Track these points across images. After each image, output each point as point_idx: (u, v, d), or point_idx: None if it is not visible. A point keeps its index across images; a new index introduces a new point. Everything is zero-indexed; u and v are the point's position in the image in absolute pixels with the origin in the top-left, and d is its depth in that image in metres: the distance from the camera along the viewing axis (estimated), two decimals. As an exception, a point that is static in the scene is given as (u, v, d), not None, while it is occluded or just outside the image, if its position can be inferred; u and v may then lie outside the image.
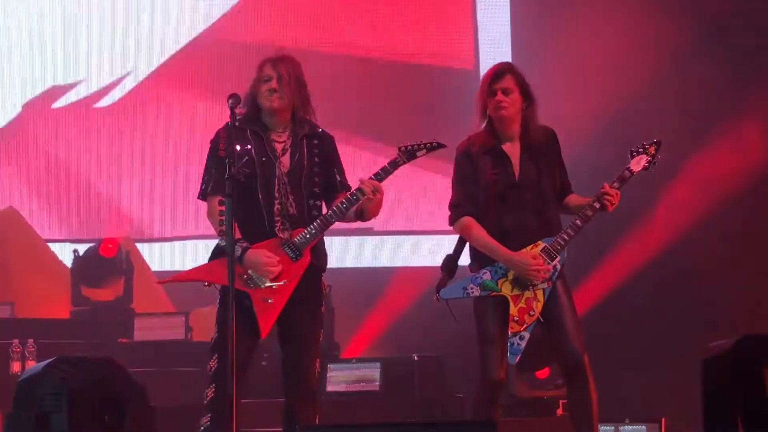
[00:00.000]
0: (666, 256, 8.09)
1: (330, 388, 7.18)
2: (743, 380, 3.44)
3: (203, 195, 4.88)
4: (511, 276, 4.96)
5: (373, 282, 8.65)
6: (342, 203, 4.77)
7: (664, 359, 7.50)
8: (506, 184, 5.03)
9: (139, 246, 8.66)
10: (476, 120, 5.08)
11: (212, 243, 8.78)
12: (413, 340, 8.18)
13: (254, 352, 4.80)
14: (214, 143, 4.84)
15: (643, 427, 6.33)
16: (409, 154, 4.88)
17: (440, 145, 4.93)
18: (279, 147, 4.82)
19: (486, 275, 5.01)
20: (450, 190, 5.12)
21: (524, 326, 4.95)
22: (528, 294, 4.96)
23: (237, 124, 4.78)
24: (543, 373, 7.24)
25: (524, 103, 5.07)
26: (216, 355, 4.74)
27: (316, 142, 4.89)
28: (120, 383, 3.77)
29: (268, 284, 4.70)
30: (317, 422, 4.81)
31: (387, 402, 7.06)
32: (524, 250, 4.97)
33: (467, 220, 5.03)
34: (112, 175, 8.93)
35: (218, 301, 4.84)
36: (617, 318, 8.22)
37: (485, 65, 9.07)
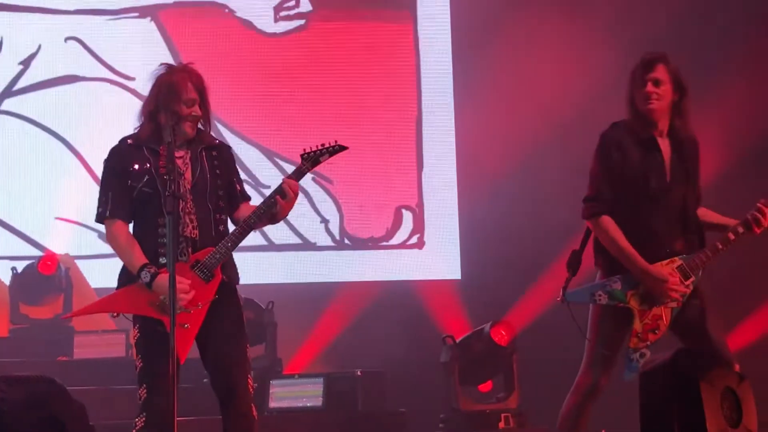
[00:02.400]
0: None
1: (273, 404, 7.16)
2: (680, 394, 3.46)
3: (100, 218, 4.70)
4: (641, 289, 4.70)
5: (316, 298, 8.64)
6: (259, 209, 4.67)
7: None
8: (658, 183, 4.71)
9: (79, 263, 8.56)
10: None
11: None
12: (356, 356, 8.18)
13: (178, 378, 4.54)
14: (110, 162, 4.70)
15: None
16: (312, 160, 4.76)
17: (342, 148, 4.79)
18: (180, 162, 4.65)
19: (617, 284, 4.73)
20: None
21: (646, 343, 4.71)
22: (656, 311, 4.72)
23: (130, 142, 4.68)
24: (486, 387, 7.29)
25: (676, 96, 4.75)
26: (144, 385, 4.61)
27: (215, 153, 4.78)
28: (59, 402, 3.72)
29: (182, 309, 4.53)
30: None
31: (330, 418, 7.05)
32: (659, 264, 4.70)
33: (606, 220, 4.71)
34: (50, 190, 8.83)
35: (135, 328, 4.69)
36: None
37: (426, 81, 9.15)
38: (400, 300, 8.67)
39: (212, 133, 4.89)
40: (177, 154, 4.62)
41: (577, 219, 8.09)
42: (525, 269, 8.36)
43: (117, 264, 9.06)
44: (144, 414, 4.59)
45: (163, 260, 4.60)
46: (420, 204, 9.07)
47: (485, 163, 8.86)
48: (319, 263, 8.93)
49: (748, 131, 8.34)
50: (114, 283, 8.52)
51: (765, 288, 7.94)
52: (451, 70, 9.13)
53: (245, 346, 4.71)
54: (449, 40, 9.15)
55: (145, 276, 4.56)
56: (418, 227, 9.06)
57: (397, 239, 9.04)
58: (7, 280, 8.13)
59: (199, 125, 4.76)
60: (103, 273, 8.70)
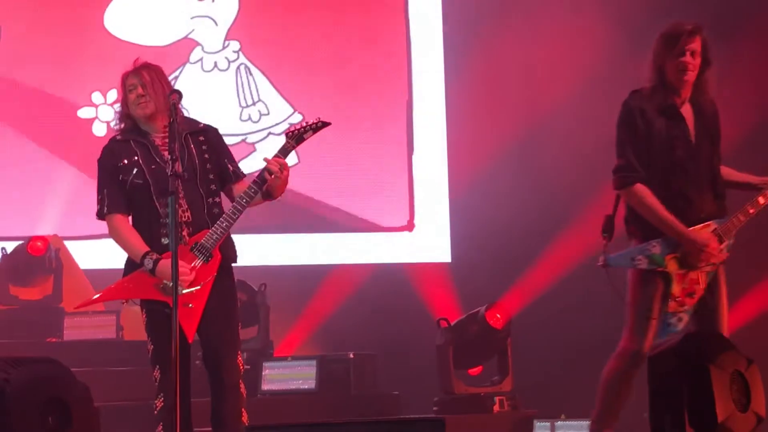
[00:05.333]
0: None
1: (266, 386, 7.14)
2: (689, 377, 3.45)
3: (100, 215, 4.89)
4: (680, 253, 4.72)
5: (306, 280, 8.62)
6: (250, 188, 4.77)
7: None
8: (685, 150, 4.74)
9: (68, 244, 8.51)
10: (647, 74, 4.76)
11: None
12: (347, 338, 8.17)
13: (189, 356, 4.74)
14: (102, 160, 4.88)
15: (582, 423, 6.38)
16: (297, 138, 4.87)
17: (325, 124, 4.91)
18: (166, 151, 4.74)
19: (655, 248, 4.74)
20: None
21: (684, 307, 4.73)
22: (692, 275, 4.75)
23: (119, 137, 4.87)
24: (475, 371, 7.29)
25: (703, 68, 4.80)
26: (158, 366, 4.73)
27: (201, 138, 4.90)
28: (63, 384, 3.70)
29: (185, 291, 4.69)
30: (244, 419, 4.77)
31: (323, 400, 7.04)
32: (696, 228, 4.72)
33: (641, 188, 4.71)
34: (40, 170, 8.78)
35: (143, 312, 4.85)
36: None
37: (416, 62, 9.11)
38: (390, 282, 8.66)
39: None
40: (163, 143, 4.74)
41: (572, 202, 8.15)
42: (517, 252, 8.36)
43: (105, 245, 9.03)
44: (162, 395, 4.70)
45: (165, 241, 4.71)
46: (410, 187, 9.04)
47: (477, 145, 8.84)
48: (309, 246, 8.90)
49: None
50: (103, 264, 8.55)
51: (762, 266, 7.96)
52: (442, 53, 9.10)
53: (235, 324, 4.85)
54: (440, 21, 9.11)
55: (148, 263, 4.72)
56: (408, 210, 9.04)
57: (387, 222, 9.02)
58: (-5, 261, 8.09)
59: (185, 113, 4.89)
60: (91, 255, 8.67)
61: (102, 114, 8.91)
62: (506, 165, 8.67)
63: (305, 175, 8.90)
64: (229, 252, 4.86)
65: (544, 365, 7.87)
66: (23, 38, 8.96)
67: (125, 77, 4.88)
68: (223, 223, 4.76)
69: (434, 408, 7.05)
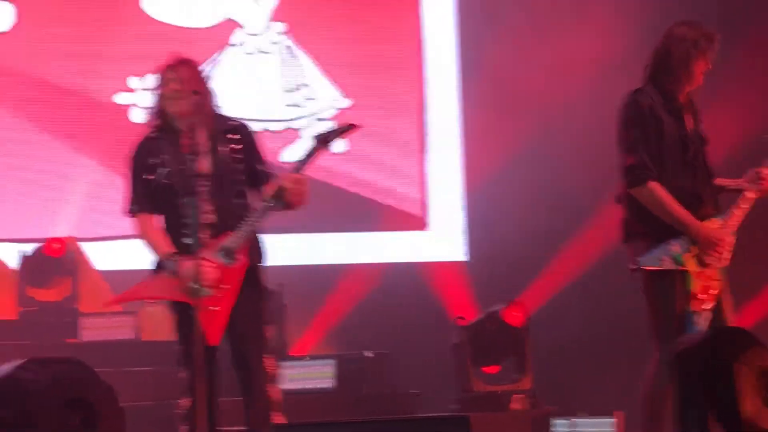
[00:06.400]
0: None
1: (283, 385, 7.13)
2: (715, 374, 3.44)
3: (128, 213, 4.87)
4: (696, 251, 4.72)
5: (323, 279, 8.63)
6: (268, 200, 4.70)
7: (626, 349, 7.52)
8: (695, 149, 4.76)
9: (85, 245, 8.53)
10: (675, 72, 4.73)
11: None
12: (363, 338, 8.18)
13: (214, 357, 4.76)
14: (132, 158, 4.84)
15: (601, 420, 6.38)
16: (323, 142, 4.76)
17: (353, 127, 4.81)
18: (197, 151, 4.70)
19: (675, 248, 4.74)
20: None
21: (707, 305, 4.74)
22: (709, 272, 4.76)
23: (149, 136, 4.82)
24: (492, 369, 7.28)
25: None
26: (184, 366, 4.75)
27: (231, 136, 4.82)
28: (88, 384, 3.71)
29: (207, 292, 4.64)
30: (276, 420, 4.77)
31: (341, 399, 7.05)
32: (705, 224, 4.72)
33: (654, 185, 4.69)
34: (57, 171, 8.78)
35: (172, 312, 4.83)
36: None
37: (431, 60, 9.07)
38: (406, 281, 8.66)
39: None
40: (192, 141, 4.69)
41: (589, 198, 8.12)
42: (533, 250, 8.35)
43: (121, 247, 9.04)
44: (187, 395, 4.72)
45: (187, 241, 4.68)
46: (424, 185, 9.02)
47: (491, 142, 8.82)
48: (324, 245, 8.89)
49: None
50: (119, 266, 8.58)
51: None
52: (456, 50, 9.07)
53: (261, 327, 4.81)
54: (454, 11, 9.04)
55: (170, 264, 4.71)
56: (422, 208, 9.02)
57: (401, 220, 9.00)
58: (12, 264, 8.11)
59: (218, 110, 4.82)
60: (107, 256, 8.69)
61: (139, 99, 8.60)
62: (521, 161, 8.65)
63: (319, 173, 8.89)
64: (253, 255, 4.80)
65: (563, 363, 7.87)
66: (52, 20, 8.66)
67: (162, 70, 4.80)
68: (245, 226, 4.70)
69: (453, 406, 7.05)
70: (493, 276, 8.47)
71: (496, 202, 8.72)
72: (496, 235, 8.66)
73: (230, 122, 4.86)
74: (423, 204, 8.98)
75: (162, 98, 4.78)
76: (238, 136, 4.82)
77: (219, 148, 4.75)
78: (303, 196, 4.72)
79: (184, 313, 4.70)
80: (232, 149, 4.79)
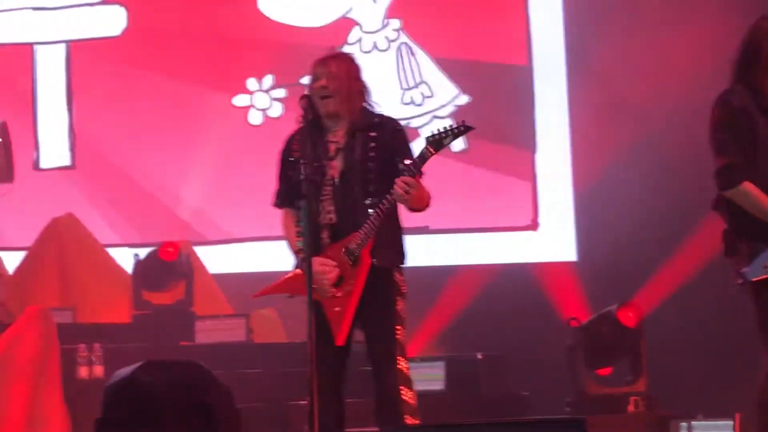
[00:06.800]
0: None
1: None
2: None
3: (275, 205, 4.89)
4: None
5: (433, 281, 8.60)
6: (383, 204, 4.63)
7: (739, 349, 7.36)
8: None
9: (197, 249, 8.67)
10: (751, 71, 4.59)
11: (270, 245, 8.75)
12: (474, 339, 8.14)
13: (345, 356, 4.75)
14: (282, 151, 4.81)
15: (720, 423, 6.24)
16: (436, 144, 4.64)
17: (468, 128, 4.67)
18: (332, 148, 4.70)
19: None
20: None
21: None
22: None
23: (299, 130, 4.76)
24: (605, 371, 7.18)
25: None
26: (310, 366, 4.69)
27: (372, 134, 4.74)
28: (207, 387, 3.74)
29: (331, 292, 4.66)
30: (410, 422, 4.73)
31: (452, 401, 7.02)
32: None
33: (748, 186, 4.50)
34: (170, 179, 8.92)
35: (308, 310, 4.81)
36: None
37: (538, 61, 8.98)
38: (516, 282, 8.59)
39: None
40: (333, 139, 4.69)
41: (701, 197, 7.93)
42: (645, 250, 8.20)
43: (233, 250, 9.14)
44: (311, 395, 4.67)
45: (318, 239, 4.67)
46: (534, 185, 8.94)
47: (600, 142, 8.70)
48: (433, 247, 8.87)
49: None
50: (231, 269, 8.69)
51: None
52: (564, 50, 8.96)
53: (391, 328, 4.75)
54: (562, 18, 8.97)
55: (297, 262, 4.72)
56: (532, 209, 8.95)
57: (511, 221, 8.94)
58: (128, 268, 8.28)
59: (366, 105, 4.77)
60: (219, 259, 8.82)
61: (257, 101, 8.65)
62: (631, 161, 8.51)
63: (426, 175, 8.87)
64: (385, 258, 4.72)
65: (679, 365, 7.72)
66: (169, 22, 8.76)
67: (314, 64, 4.75)
68: (366, 227, 4.64)
69: (567, 408, 6.97)
70: (604, 277, 8.35)
71: (605, 203, 8.59)
72: (606, 235, 8.53)
73: (375, 119, 4.74)
74: (534, 204, 8.90)
75: (311, 93, 4.72)
76: (375, 134, 4.72)
77: (355, 147, 4.71)
78: (417, 199, 4.64)
79: (317, 312, 4.65)
80: (369, 147, 4.72)
